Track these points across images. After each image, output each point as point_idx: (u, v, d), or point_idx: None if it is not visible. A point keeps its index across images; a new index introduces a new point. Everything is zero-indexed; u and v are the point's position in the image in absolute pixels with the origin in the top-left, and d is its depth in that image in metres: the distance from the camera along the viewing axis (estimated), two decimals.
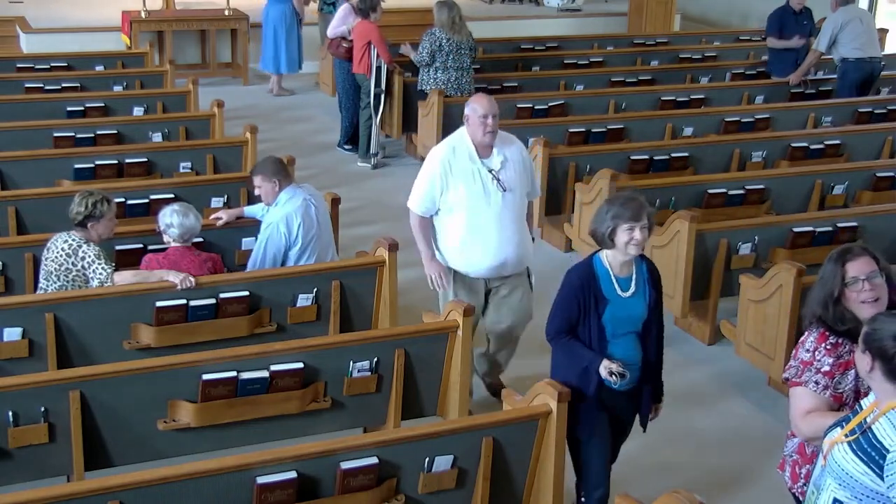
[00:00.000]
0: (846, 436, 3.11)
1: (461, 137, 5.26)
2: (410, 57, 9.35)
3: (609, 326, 4.20)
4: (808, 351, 3.69)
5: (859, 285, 3.61)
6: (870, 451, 3.02)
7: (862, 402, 3.22)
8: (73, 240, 5.28)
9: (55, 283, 5.26)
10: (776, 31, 10.36)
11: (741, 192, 7.20)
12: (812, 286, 3.83)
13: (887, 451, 2.98)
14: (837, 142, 8.42)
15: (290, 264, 5.70)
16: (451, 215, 5.24)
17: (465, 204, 5.17)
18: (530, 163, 5.46)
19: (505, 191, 5.18)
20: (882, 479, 2.99)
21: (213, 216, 6.11)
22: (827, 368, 3.62)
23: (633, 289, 4.25)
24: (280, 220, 5.65)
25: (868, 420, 3.08)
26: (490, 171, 5.18)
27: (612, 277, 4.23)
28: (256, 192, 5.86)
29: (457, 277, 5.35)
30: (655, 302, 4.31)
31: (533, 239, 5.56)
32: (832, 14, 9.90)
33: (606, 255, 4.26)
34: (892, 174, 7.70)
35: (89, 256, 5.25)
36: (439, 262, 5.35)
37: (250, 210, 6.10)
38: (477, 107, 5.15)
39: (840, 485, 3.11)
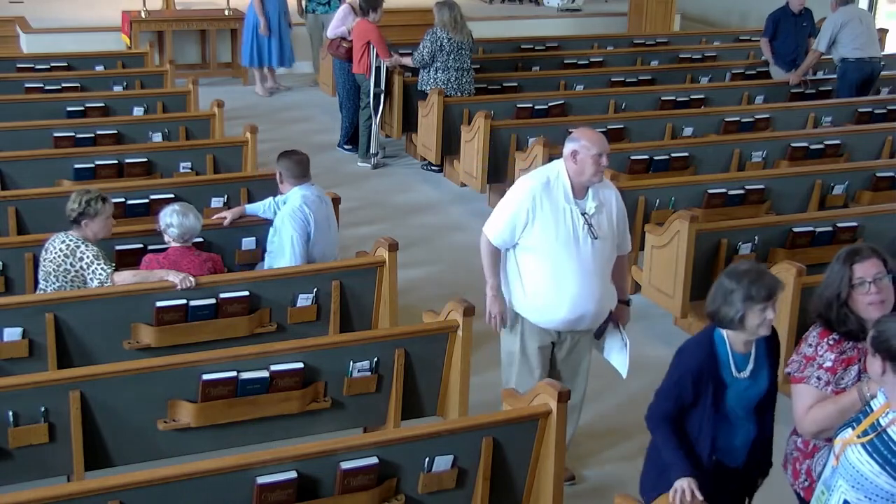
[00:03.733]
0: (859, 437, 3.11)
1: (557, 171, 4.70)
2: (405, 62, 9.35)
3: (726, 413, 3.80)
4: (810, 346, 3.71)
5: (866, 287, 3.61)
6: (885, 452, 3.03)
7: (872, 402, 3.23)
8: (71, 240, 5.27)
9: (54, 283, 5.26)
10: (770, 34, 10.36)
11: (741, 192, 7.20)
12: (817, 284, 3.84)
13: None
14: (837, 142, 8.42)
15: (314, 249, 5.76)
16: (531, 255, 4.68)
17: (551, 247, 4.62)
18: (624, 212, 4.87)
19: (596, 238, 4.64)
20: None
21: (216, 216, 6.11)
22: (829, 364, 3.64)
23: (751, 366, 3.81)
24: (297, 208, 5.71)
25: (883, 422, 3.08)
26: (583, 214, 4.65)
27: (731, 357, 3.79)
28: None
29: (525, 324, 4.81)
30: (774, 374, 3.90)
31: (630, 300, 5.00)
32: (832, 14, 9.90)
33: (727, 334, 3.78)
34: (892, 174, 7.70)
35: (87, 257, 5.24)
36: (503, 301, 4.81)
37: (252, 208, 6.10)
38: (590, 144, 4.59)
39: (852, 486, 3.11)
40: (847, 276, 3.64)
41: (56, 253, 5.25)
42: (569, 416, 4.74)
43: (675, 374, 3.82)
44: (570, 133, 4.78)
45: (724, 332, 3.79)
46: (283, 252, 5.71)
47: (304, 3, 11.83)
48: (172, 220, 5.40)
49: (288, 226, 5.69)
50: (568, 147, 4.68)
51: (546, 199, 4.63)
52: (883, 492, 3.04)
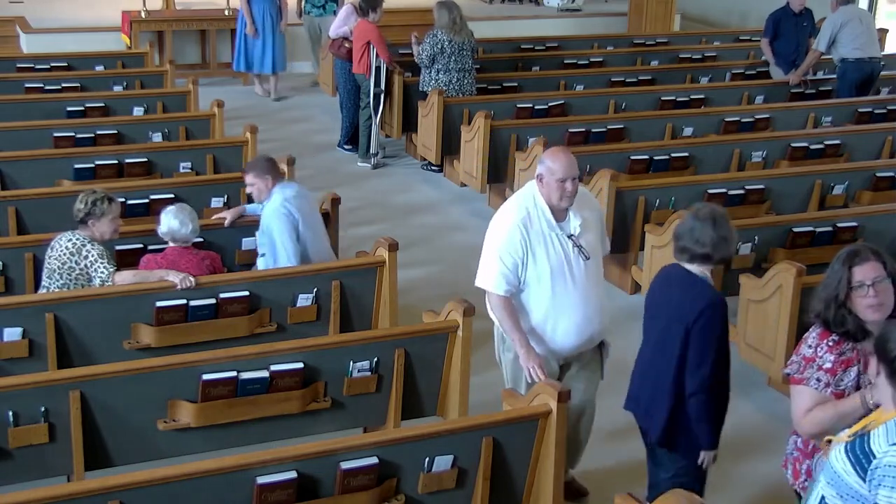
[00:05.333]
0: (849, 437, 3.14)
1: (533, 198, 4.49)
2: (413, 49, 9.35)
3: None
4: (810, 347, 3.70)
5: (864, 290, 3.60)
6: (859, 454, 3.05)
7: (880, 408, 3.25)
8: (77, 238, 5.29)
9: (58, 281, 5.26)
10: (770, 34, 10.36)
11: (741, 192, 7.21)
12: (817, 284, 3.84)
13: (874, 456, 3.00)
14: (837, 142, 8.42)
15: (307, 245, 5.74)
16: (526, 290, 4.48)
17: (547, 278, 4.43)
18: (603, 220, 4.80)
19: (588, 259, 4.49)
20: (865, 482, 3.01)
21: (215, 216, 6.11)
22: (829, 366, 3.63)
23: None
24: (279, 206, 5.68)
25: (870, 425, 3.10)
26: (570, 236, 4.48)
27: None
28: (248, 189, 5.87)
29: None
30: None
31: None
32: (832, 14, 9.90)
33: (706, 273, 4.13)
34: (892, 174, 7.70)
35: (92, 255, 5.25)
36: (535, 353, 4.46)
37: (252, 208, 6.11)
38: (555, 167, 4.39)
39: (828, 482, 3.15)
40: (846, 277, 3.63)
41: (62, 251, 5.26)
42: (579, 429, 4.78)
43: (717, 330, 4.00)
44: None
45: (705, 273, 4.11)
46: (274, 254, 5.70)
47: (302, 4, 11.82)
48: (161, 219, 5.46)
49: (274, 226, 5.68)
50: (537, 170, 4.50)
51: (530, 230, 4.43)
52: (852, 491, 3.06)
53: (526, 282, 4.47)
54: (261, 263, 5.86)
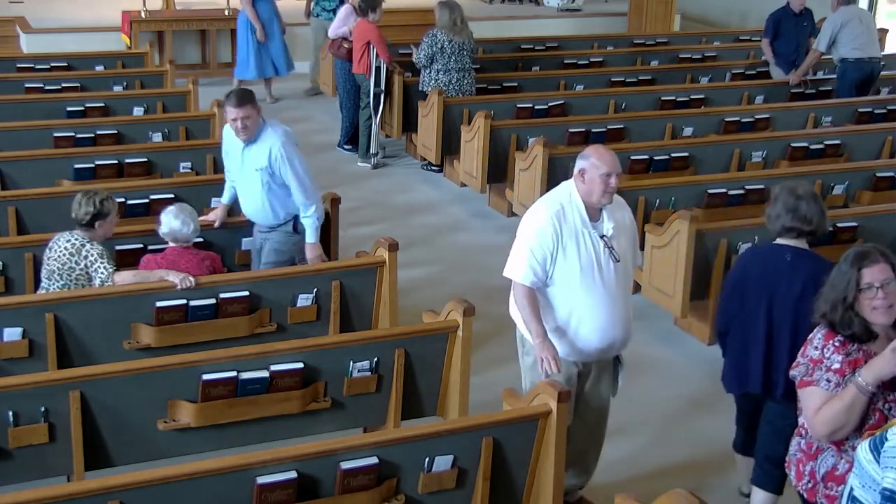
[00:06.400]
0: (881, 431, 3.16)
1: (569, 194, 4.45)
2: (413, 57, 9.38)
3: None
4: (816, 349, 3.68)
5: (873, 292, 3.57)
6: (878, 443, 3.07)
7: None
8: (77, 239, 5.28)
9: (58, 282, 5.26)
10: (771, 34, 10.36)
11: (741, 192, 7.21)
12: (823, 284, 3.82)
13: (887, 440, 3.02)
14: (837, 142, 8.43)
15: None
16: (553, 287, 4.43)
17: (576, 276, 4.37)
18: (636, 229, 4.72)
19: (618, 261, 4.43)
20: (879, 466, 3.03)
21: (201, 219, 6.03)
22: (837, 366, 3.61)
23: None
24: (289, 137, 5.70)
25: None
26: (602, 237, 4.43)
27: None
28: (243, 123, 5.54)
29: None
30: None
31: None
32: (832, 14, 9.91)
33: None
34: (892, 174, 7.71)
35: (92, 255, 5.25)
36: (552, 345, 4.37)
37: (228, 199, 6.06)
38: (599, 163, 4.36)
39: (855, 473, 3.19)
40: (854, 279, 3.60)
41: (61, 252, 5.26)
42: (590, 441, 4.76)
43: None
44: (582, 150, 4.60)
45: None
46: (302, 186, 5.67)
47: (311, 5, 11.78)
48: (162, 219, 5.46)
49: (296, 157, 5.66)
50: (577, 165, 4.45)
51: (563, 225, 4.38)
52: (872, 481, 3.09)
53: (553, 277, 4.42)
54: (298, 197, 5.70)
